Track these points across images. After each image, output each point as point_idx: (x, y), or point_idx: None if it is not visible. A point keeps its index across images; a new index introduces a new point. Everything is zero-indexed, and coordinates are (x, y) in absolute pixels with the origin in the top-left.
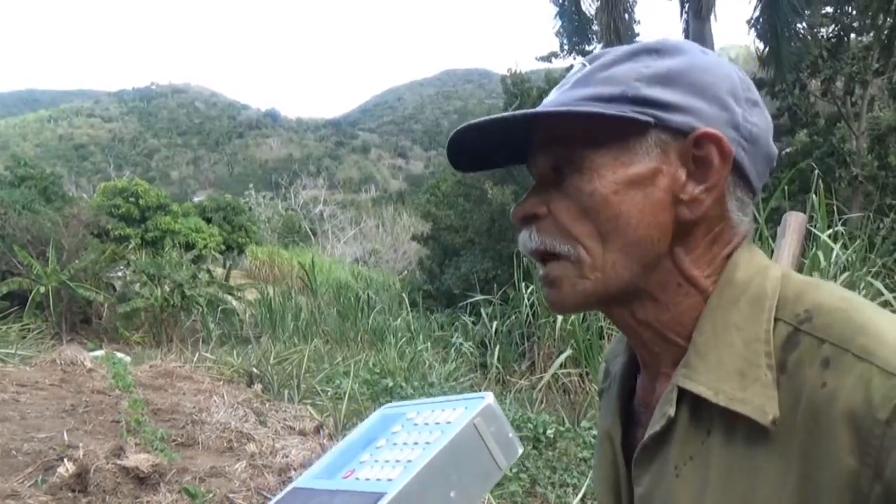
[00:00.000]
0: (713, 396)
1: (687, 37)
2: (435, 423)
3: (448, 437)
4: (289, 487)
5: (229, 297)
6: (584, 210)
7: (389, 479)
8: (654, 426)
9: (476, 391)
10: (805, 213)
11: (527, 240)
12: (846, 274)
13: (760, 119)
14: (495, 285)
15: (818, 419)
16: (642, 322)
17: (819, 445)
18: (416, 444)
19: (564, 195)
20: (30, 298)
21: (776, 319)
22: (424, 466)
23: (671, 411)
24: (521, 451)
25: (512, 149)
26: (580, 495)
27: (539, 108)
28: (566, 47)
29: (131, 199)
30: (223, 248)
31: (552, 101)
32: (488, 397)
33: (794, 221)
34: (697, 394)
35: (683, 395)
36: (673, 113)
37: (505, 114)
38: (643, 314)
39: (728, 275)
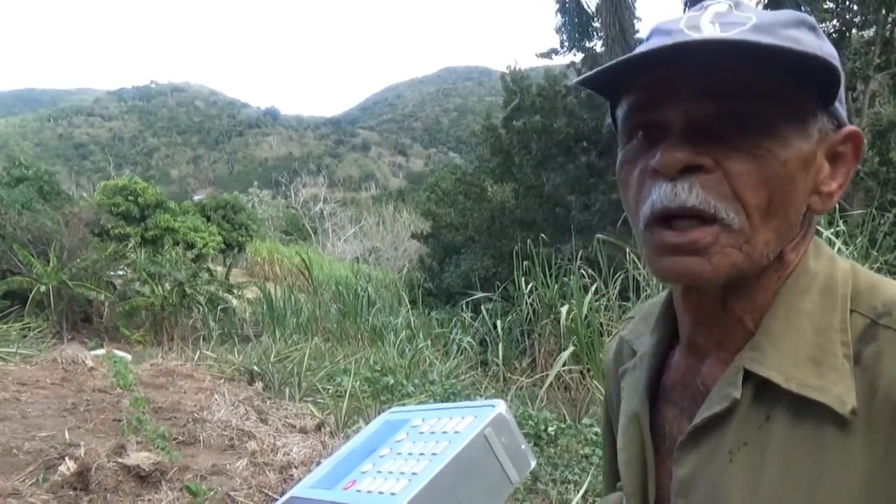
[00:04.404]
0: (784, 382)
1: None
2: (442, 433)
3: (456, 448)
4: (286, 497)
5: (230, 296)
6: (767, 178)
7: (393, 493)
8: (713, 408)
9: (477, 388)
10: None
11: (682, 192)
12: None
13: None
14: (496, 283)
15: None
16: (728, 308)
17: None
18: (421, 454)
19: (747, 155)
20: (30, 297)
21: (851, 311)
22: (430, 480)
23: (736, 394)
24: (533, 464)
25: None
26: (581, 492)
27: (748, 37)
28: (567, 44)
29: (130, 198)
30: (223, 246)
31: (729, 38)
32: (500, 406)
33: None
34: (766, 378)
35: (747, 378)
36: (839, 102)
37: (734, 37)
38: (734, 299)
39: (803, 263)
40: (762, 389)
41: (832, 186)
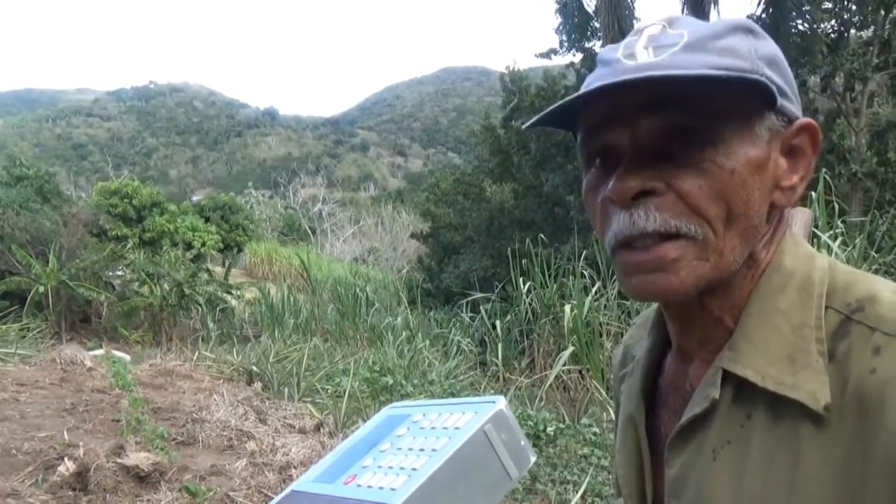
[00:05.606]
0: (760, 380)
1: None
2: (443, 428)
3: (456, 444)
4: (287, 490)
5: (228, 296)
6: (719, 189)
7: (393, 489)
8: (695, 408)
9: (476, 389)
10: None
11: (640, 219)
12: None
13: None
14: (494, 283)
15: (866, 405)
16: (707, 309)
17: (867, 431)
18: (422, 450)
19: (695, 171)
20: (29, 298)
21: (826, 307)
22: (430, 476)
23: (715, 394)
24: (533, 460)
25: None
26: (580, 492)
27: (669, 71)
28: (566, 44)
29: (126, 199)
30: (221, 246)
31: (661, 62)
32: (500, 402)
33: (800, 218)
34: (743, 377)
35: (726, 378)
36: (785, 99)
37: (662, 73)
38: (711, 301)
39: (777, 260)
40: (741, 388)
41: (793, 180)
